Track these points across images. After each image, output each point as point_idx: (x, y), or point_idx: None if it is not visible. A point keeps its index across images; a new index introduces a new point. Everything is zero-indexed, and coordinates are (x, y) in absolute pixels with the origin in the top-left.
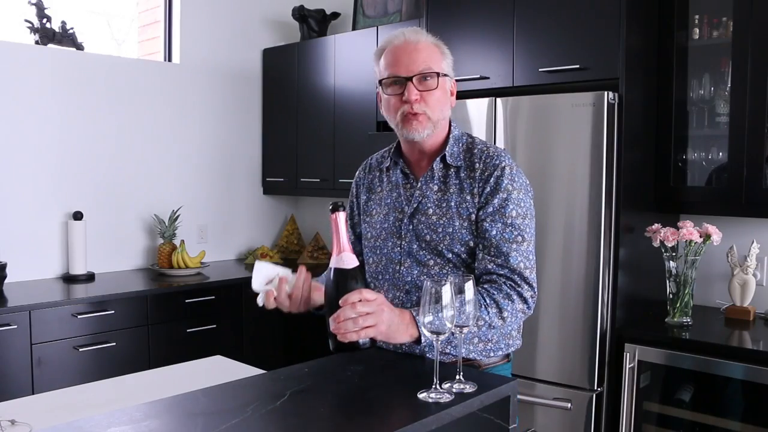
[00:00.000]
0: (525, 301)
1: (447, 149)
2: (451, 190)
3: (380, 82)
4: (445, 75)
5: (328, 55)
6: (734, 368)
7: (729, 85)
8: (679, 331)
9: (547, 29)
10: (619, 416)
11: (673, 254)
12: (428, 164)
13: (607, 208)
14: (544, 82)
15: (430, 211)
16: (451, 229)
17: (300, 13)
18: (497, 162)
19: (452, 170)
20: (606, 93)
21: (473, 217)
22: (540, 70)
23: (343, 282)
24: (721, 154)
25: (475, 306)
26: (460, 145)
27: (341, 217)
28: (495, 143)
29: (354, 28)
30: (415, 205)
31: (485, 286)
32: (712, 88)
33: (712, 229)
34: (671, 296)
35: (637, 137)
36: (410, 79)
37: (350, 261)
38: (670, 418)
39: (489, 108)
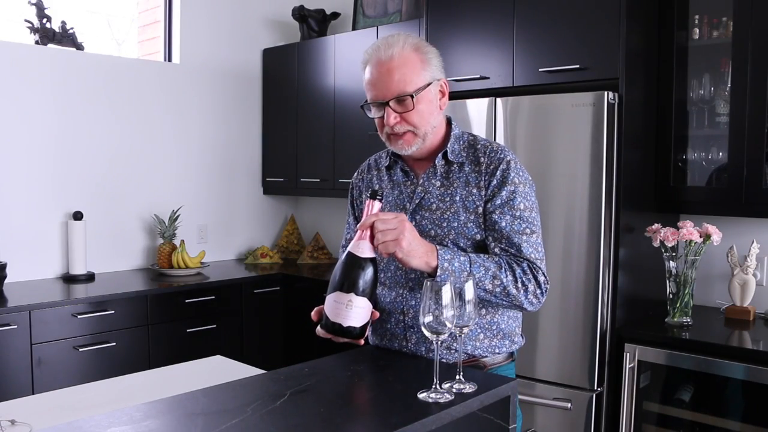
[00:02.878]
0: (539, 284)
1: (448, 146)
2: (455, 185)
3: (363, 102)
4: (426, 86)
5: (328, 55)
6: (734, 368)
7: (729, 85)
8: (679, 331)
9: (547, 29)
10: (619, 416)
11: (673, 254)
12: (429, 162)
13: (607, 208)
14: (544, 82)
15: (434, 206)
16: (456, 224)
17: (300, 13)
18: (502, 156)
19: (455, 166)
20: (606, 93)
21: (480, 210)
22: (540, 70)
23: (350, 266)
24: (721, 154)
25: (475, 306)
26: (461, 142)
27: (375, 206)
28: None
29: (354, 28)
30: (417, 201)
31: (505, 257)
32: (712, 88)
33: (712, 229)
34: (671, 296)
35: (637, 137)
36: (387, 103)
37: (366, 250)
38: (670, 418)
39: (489, 108)
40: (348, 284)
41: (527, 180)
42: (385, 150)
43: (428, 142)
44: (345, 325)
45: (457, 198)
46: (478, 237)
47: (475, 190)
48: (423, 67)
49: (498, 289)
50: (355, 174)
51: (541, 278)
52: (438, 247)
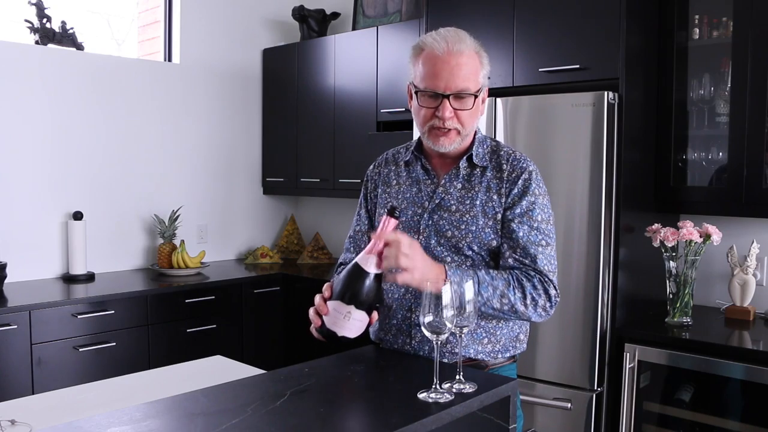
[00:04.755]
0: (549, 298)
1: (473, 150)
2: (477, 189)
3: (415, 90)
4: (481, 89)
5: (328, 55)
6: (734, 368)
7: (729, 85)
8: (679, 331)
9: (547, 29)
10: (619, 416)
11: (673, 254)
12: (452, 162)
13: (607, 208)
14: (544, 82)
15: (453, 207)
16: (474, 227)
17: (300, 13)
18: (525, 165)
19: (478, 170)
20: (606, 93)
21: (499, 216)
22: (540, 70)
23: (355, 277)
24: (721, 154)
25: (475, 306)
26: (485, 147)
27: (392, 223)
28: None
29: (354, 28)
30: (437, 201)
31: (515, 272)
32: (712, 88)
33: (712, 229)
34: (671, 296)
35: (637, 137)
36: (447, 96)
37: (373, 266)
38: (670, 418)
39: (489, 108)
40: (350, 295)
41: (546, 192)
42: (403, 145)
43: (464, 143)
44: (339, 334)
45: (477, 202)
46: (494, 243)
47: (495, 197)
48: (481, 69)
49: (506, 308)
50: (371, 167)
51: (552, 292)
52: (447, 268)
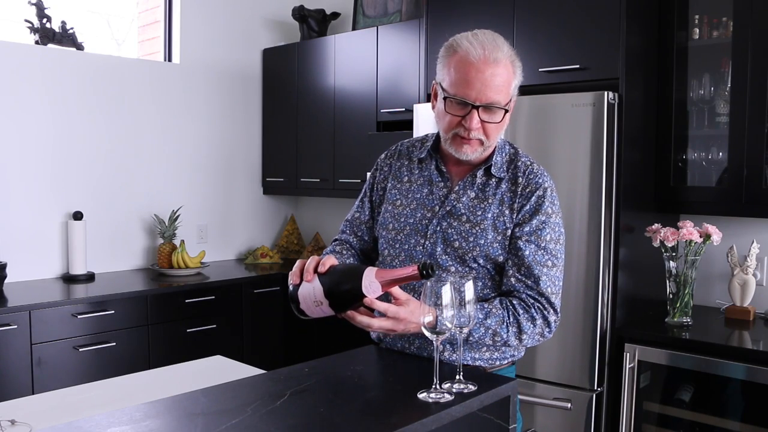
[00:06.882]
0: (548, 324)
1: (493, 159)
2: (490, 201)
3: (444, 95)
4: (511, 100)
5: (328, 55)
6: (734, 368)
7: (729, 85)
8: (679, 331)
9: (547, 29)
10: (619, 416)
11: (673, 254)
12: (469, 168)
13: (607, 208)
14: (544, 82)
15: (464, 218)
16: (483, 241)
17: (300, 13)
18: (540, 181)
19: (493, 180)
20: (606, 93)
21: (508, 232)
22: (540, 70)
23: (348, 287)
24: (721, 154)
25: (475, 307)
26: (503, 154)
27: (416, 280)
28: None
29: (354, 28)
30: (448, 208)
31: (514, 302)
32: (712, 88)
33: (712, 229)
34: (671, 296)
35: (637, 137)
36: (477, 107)
37: (371, 291)
38: (670, 418)
39: None
40: (333, 293)
41: (559, 210)
42: (418, 139)
43: (485, 153)
44: (300, 308)
45: (489, 215)
46: (501, 259)
47: (507, 211)
48: (514, 79)
49: (499, 343)
50: (383, 155)
51: (552, 318)
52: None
